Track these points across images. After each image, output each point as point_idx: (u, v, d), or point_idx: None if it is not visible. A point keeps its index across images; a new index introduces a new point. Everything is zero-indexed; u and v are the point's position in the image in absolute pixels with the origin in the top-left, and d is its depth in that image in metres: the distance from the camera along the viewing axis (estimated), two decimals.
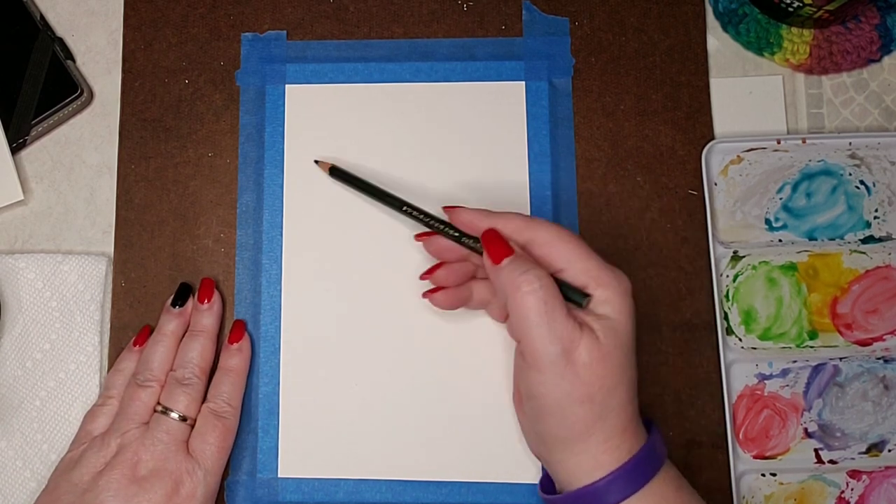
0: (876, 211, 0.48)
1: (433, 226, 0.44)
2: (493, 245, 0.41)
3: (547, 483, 0.43)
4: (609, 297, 0.39)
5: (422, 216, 0.45)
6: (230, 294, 0.48)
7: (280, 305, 0.48)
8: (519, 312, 0.39)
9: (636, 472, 0.38)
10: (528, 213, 0.48)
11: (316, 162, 0.48)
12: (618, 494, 0.38)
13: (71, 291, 0.48)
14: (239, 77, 0.50)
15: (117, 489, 0.41)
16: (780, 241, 0.48)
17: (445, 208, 0.44)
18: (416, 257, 0.48)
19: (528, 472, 0.46)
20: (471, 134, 0.49)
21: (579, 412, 0.38)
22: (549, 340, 0.38)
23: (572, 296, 0.39)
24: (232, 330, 0.47)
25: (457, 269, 0.44)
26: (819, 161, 0.49)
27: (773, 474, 0.47)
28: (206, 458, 0.43)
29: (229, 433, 0.45)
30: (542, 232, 0.40)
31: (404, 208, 0.45)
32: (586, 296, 0.39)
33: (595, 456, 0.38)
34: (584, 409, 0.38)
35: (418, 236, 0.45)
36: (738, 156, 0.49)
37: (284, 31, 0.51)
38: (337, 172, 0.48)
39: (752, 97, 0.50)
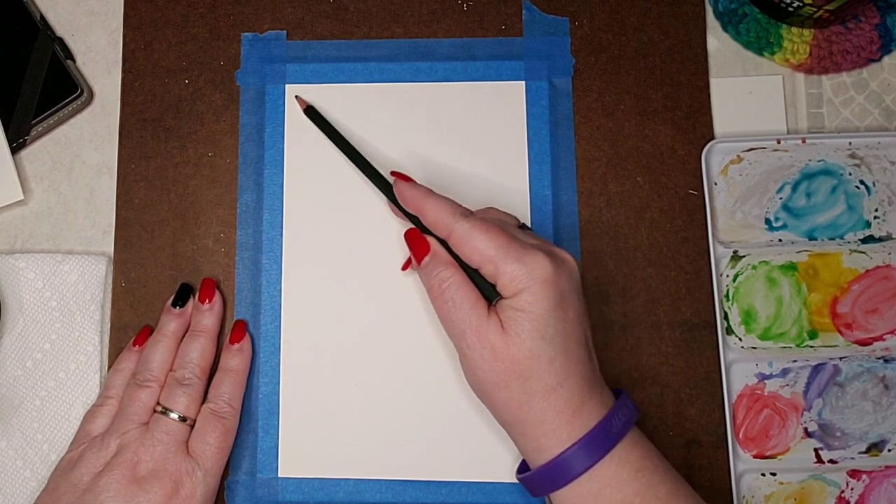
0: (876, 211, 0.48)
1: (385, 193, 0.46)
2: (414, 245, 0.43)
3: (524, 466, 0.44)
4: (519, 287, 0.40)
5: (376, 180, 0.46)
6: (230, 294, 0.48)
7: (280, 305, 0.48)
8: (437, 313, 0.42)
9: (592, 445, 0.39)
10: (528, 213, 0.48)
11: (296, 97, 0.49)
12: (578, 466, 0.39)
13: (71, 291, 0.48)
14: (239, 77, 0.50)
15: (117, 489, 0.41)
16: (780, 240, 0.48)
17: (392, 173, 0.45)
18: None
19: None
20: (471, 134, 0.49)
21: (501, 396, 0.40)
22: (456, 335, 0.41)
23: (487, 293, 0.41)
24: (233, 330, 0.47)
25: None
26: (819, 161, 0.49)
27: (773, 474, 0.47)
28: (206, 459, 0.43)
29: (229, 434, 0.45)
30: (460, 226, 0.41)
31: (365, 169, 0.47)
32: (496, 294, 0.41)
33: (545, 434, 0.39)
34: (503, 394, 0.40)
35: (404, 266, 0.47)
36: (738, 155, 0.49)
37: (284, 31, 0.51)
38: (312, 113, 0.49)
39: (752, 97, 0.50)
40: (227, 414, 0.45)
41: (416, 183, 0.44)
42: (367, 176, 0.47)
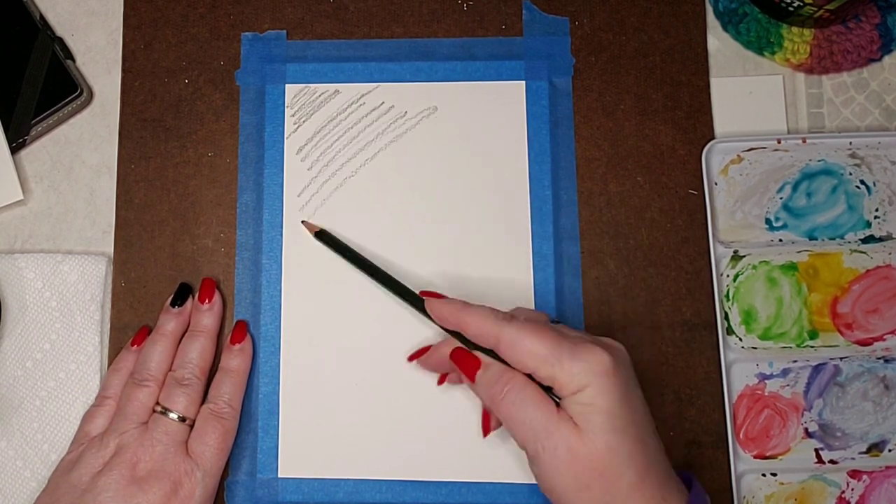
0: (876, 210, 0.48)
1: (414, 304, 0.44)
2: (462, 363, 0.41)
3: None
4: (582, 383, 0.38)
5: (403, 296, 0.45)
6: (230, 294, 0.48)
7: (280, 305, 0.48)
8: (503, 421, 0.40)
9: None
10: (528, 216, 0.48)
11: (302, 222, 0.48)
12: None
13: (71, 291, 0.48)
14: (239, 77, 0.50)
15: (116, 489, 0.41)
16: (781, 240, 0.48)
17: (422, 293, 0.44)
18: (418, 257, 0.48)
19: (528, 473, 0.46)
20: (471, 134, 0.49)
21: (581, 498, 0.38)
22: (527, 437, 0.39)
23: (550, 395, 0.39)
24: (234, 330, 0.47)
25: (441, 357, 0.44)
26: (819, 161, 0.49)
27: (774, 474, 0.46)
28: (206, 460, 0.43)
29: (229, 435, 0.45)
30: (507, 332, 0.39)
31: (387, 283, 0.45)
32: (555, 396, 0.39)
33: None
34: (584, 496, 0.38)
35: (411, 358, 0.46)
36: (739, 155, 0.49)
37: (284, 31, 0.51)
38: (325, 237, 0.47)
39: (752, 97, 0.50)
40: (227, 415, 0.45)
41: (448, 298, 0.43)
42: (394, 292, 0.45)
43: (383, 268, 0.46)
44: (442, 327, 0.42)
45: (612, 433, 0.38)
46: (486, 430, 0.43)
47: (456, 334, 0.42)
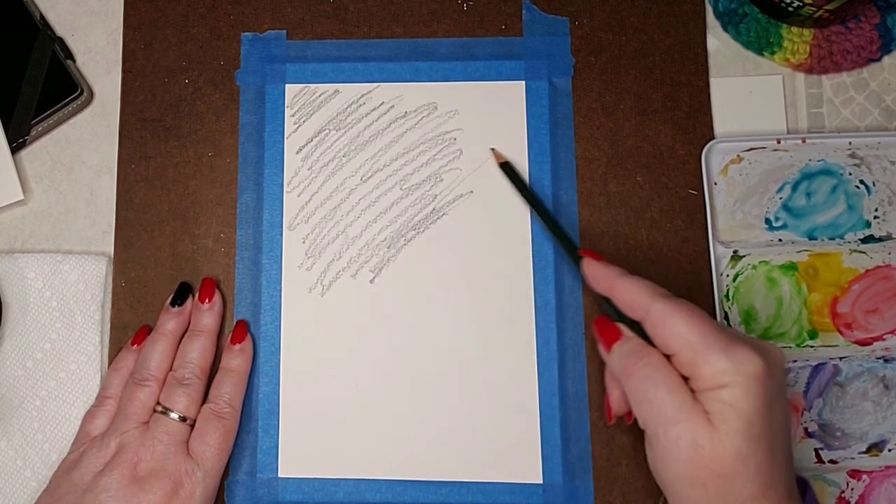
0: (876, 210, 0.48)
1: (572, 259, 0.44)
2: (603, 332, 0.41)
3: None
4: (727, 381, 0.36)
5: (565, 248, 0.45)
6: (230, 294, 0.48)
7: (280, 305, 0.48)
8: (629, 394, 0.39)
9: None
10: (528, 216, 0.48)
11: (492, 149, 0.49)
12: None
13: (71, 291, 0.48)
14: (239, 77, 0.50)
15: (117, 489, 0.41)
16: (780, 240, 0.48)
17: (582, 252, 0.44)
18: (418, 254, 0.48)
19: (528, 473, 0.46)
20: (471, 134, 0.49)
21: (692, 495, 0.37)
22: (651, 417, 0.37)
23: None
24: (234, 330, 0.47)
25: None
26: (819, 161, 0.49)
27: None
28: (206, 460, 0.43)
29: (230, 434, 0.45)
30: (658, 307, 0.38)
31: (557, 234, 0.46)
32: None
33: None
34: (696, 492, 0.36)
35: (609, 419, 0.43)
36: (738, 155, 0.49)
37: (284, 31, 0.51)
38: (507, 168, 0.48)
39: (752, 97, 0.50)
40: (227, 414, 0.45)
41: (607, 262, 0.42)
42: (557, 240, 0.46)
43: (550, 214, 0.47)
44: (593, 290, 0.42)
45: (747, 441, 0.36)
46: (609, 416, 0.43)
47: (605, 300, 0.41)
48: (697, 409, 0.37)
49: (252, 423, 0.47)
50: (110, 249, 0.49)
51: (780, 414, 0.37)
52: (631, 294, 0.40)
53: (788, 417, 0.38)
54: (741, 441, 0.36)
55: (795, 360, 0.47)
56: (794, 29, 0.50)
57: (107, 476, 0.42)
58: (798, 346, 0.47)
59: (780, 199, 0.49)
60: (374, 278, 0.48)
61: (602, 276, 0.42)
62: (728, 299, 0.48)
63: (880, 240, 0.48)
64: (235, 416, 0.45)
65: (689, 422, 0.36)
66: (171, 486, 0.42)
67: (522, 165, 0.49)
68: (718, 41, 0.51)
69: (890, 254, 0.48)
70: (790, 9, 0.48)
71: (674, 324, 0.38)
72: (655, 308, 0.38)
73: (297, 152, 0.49)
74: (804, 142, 0.49)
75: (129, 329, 0.48)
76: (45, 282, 0.48)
